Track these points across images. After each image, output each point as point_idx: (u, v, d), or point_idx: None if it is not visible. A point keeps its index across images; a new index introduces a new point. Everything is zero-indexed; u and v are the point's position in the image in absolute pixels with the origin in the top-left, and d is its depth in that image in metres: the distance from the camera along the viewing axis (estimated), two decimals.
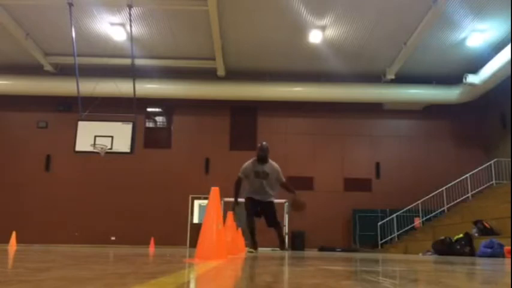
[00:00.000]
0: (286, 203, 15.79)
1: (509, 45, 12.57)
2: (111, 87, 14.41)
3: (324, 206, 16.27)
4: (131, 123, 11.44)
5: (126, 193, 16.42)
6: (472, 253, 9.33)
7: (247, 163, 6.99)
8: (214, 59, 15.21)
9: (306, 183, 16.67)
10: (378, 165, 17.24)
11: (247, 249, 7.25)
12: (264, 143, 7.06)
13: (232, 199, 6.82)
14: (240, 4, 12.42)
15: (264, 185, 6.88)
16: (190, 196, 16.55)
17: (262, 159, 6.93)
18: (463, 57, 14.88)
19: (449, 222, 13.40)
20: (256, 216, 6.91)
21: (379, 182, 17.07)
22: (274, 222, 7.02)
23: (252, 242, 6.85)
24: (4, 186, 16.44)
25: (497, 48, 13.63)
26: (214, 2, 11.77)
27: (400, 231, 15.49)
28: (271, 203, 6.99)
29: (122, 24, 13.35)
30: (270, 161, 7.01)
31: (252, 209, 6.88)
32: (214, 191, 2.87)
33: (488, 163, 15.22)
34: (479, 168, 15.25)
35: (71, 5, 10.97)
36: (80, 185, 16.46)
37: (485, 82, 14.39)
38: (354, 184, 16.98)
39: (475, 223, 10.29)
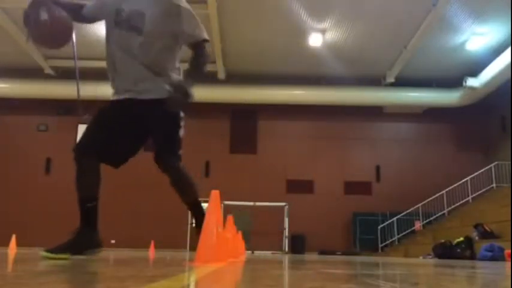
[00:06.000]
0: (286, 206, 15.77)
1: (509, 48, 12.60)
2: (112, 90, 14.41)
3: (324, 209, 16.25)
4: None
5: (126, 196, 16.38)
6: (472, 256, 9.33)
7: None
8: (214, 62, 15.23)
9: (306, 186, 16.67)
10: (378, 168, 17.23)
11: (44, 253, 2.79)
12: None
13: None
14: (240, 7, 12.45)
15: (133, 50, 2.73)
16: None
17: None
18: (463, 61, 14.90)
19: (449, 225, 13.39)
20: (106, 157, 2.95)
21: (380, 185, 17.06)
22: (167, 157, 2.96)
23: (84, 233, 2.82)
24: (4, 189, 16.42)
25: (497, 51, 13.65)
26: (214, 6, 11.80)
27: (401, 235, 15.47)
28: (160, 104, 2.74)
29: None
30: None
31: (97, 132, 2.89)
32: (215, 194, 2.87)
33: (489, 166, 15.20)
34: (480, 172, 15.23)
35: None
36: None
37: (485, 85, 14.42)
38: (354, 187, 16.96)
39: (476, 226, 10.30)
